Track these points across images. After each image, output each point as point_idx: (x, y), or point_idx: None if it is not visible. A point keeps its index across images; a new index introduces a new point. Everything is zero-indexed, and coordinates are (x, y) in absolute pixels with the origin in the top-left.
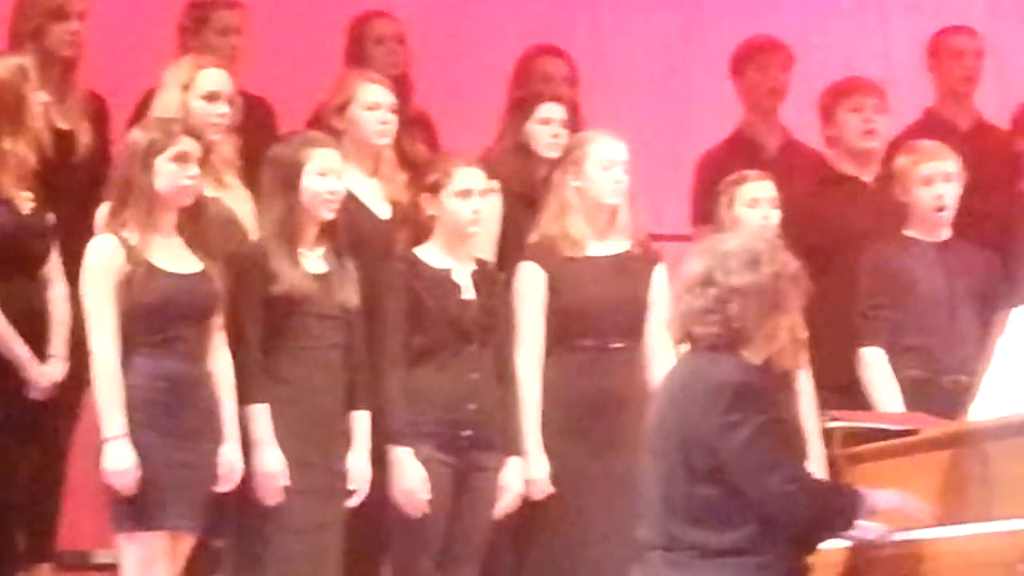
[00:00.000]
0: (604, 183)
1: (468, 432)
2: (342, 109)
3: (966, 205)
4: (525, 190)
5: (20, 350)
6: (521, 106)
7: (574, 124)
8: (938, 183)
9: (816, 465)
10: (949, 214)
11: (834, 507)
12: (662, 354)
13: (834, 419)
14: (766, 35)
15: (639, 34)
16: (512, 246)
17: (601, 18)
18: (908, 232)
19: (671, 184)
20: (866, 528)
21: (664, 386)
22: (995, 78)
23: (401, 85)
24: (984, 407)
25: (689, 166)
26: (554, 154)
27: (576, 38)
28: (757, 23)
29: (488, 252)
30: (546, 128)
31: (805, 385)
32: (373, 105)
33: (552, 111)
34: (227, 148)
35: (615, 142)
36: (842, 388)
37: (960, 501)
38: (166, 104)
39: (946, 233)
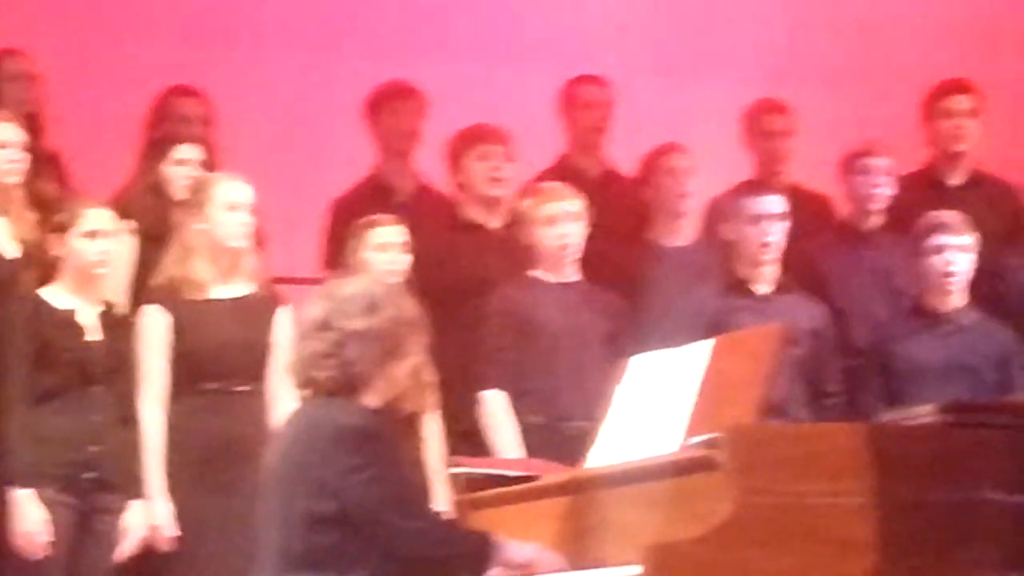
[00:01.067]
0: (228, 225)
1: (91, 474)
2: None
3: (595, 251)
4: (160, 231)
5: None
6: (156, 146)
7: (210, 165)
8: (561, 223)
9: (443, 510)
10: (573, 253)
11: (466, 549)
12: (283, 398)
13: (456, 464)
14: (400, 80)
15: (276, 75)
16: (145, 288)
17: (239, 58)
18: (534, 273)
19: (306, 227)
20: None
21: (284, 430)
22: (626, 127)
23: (33, 123)
24: (601, 454)
25: (324, 209)
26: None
27: (213, 78)
28: (393, 67)
29: (119, 294)
30: (181, 169)
31: (433, 429)
32: (2, 143)
33: (187, 152)
34: None
35: (240, 184)
36: (470, 433)
37: (577, 548)
38: None
39: (572, 274)
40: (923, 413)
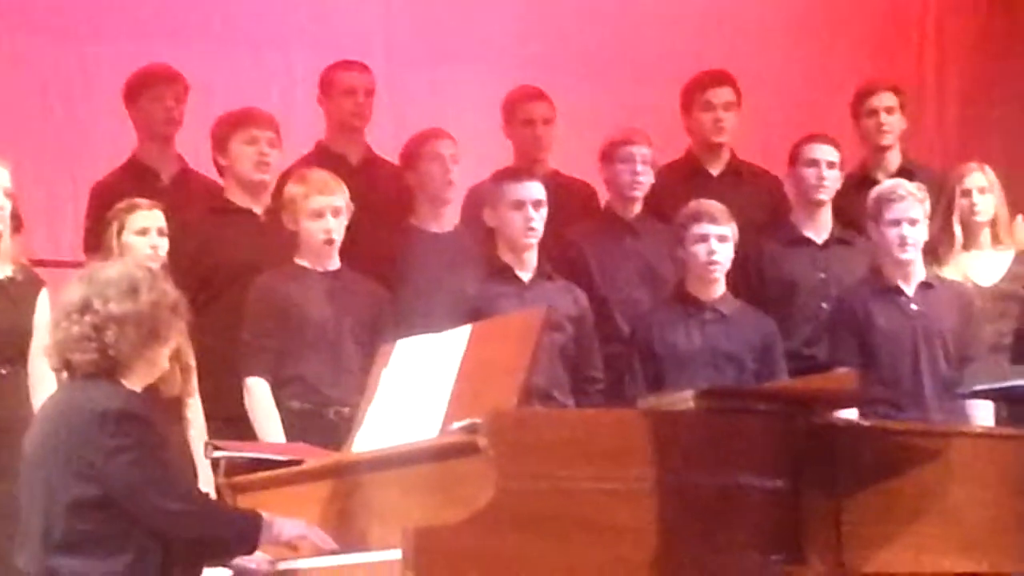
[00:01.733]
0: None
1: None
2: None
3: (357, 237)
4: None
5: None
6: None
7: None
8: (327, 217)
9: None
10: (337, 244)
11: (233, 528)
12: (44, 381)
13: (217, 448)
14: (161, 64)
15: (36, 56)
16: None
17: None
18: (298, 261)
19: (69, 210)
20: (248, 559)
21: (43, 414)
22: (390, 113)
23: None
24: (366, 438)
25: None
26: None
27: None
28: (155, 50)
29: None
30: None
31: (196, 413)
32: None
33: None
34: None
35: None
36: (234, 418)
37: (342, 531)
38: None
39: (334, 263)
40: (681, 399)
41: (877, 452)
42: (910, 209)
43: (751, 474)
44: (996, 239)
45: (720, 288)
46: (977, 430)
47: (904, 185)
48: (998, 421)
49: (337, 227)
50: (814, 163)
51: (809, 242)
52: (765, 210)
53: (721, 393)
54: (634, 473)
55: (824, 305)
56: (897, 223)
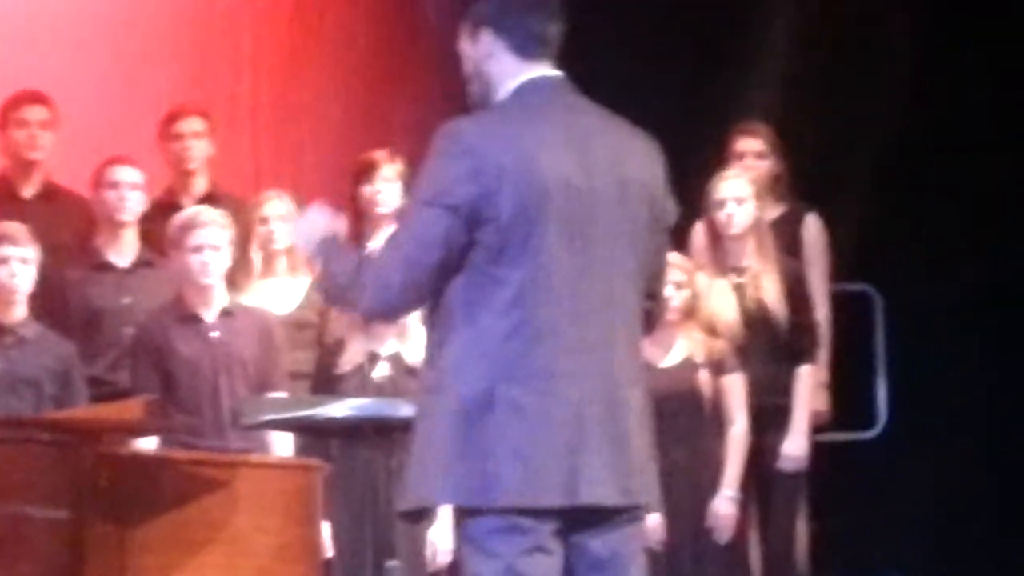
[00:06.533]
0: None
1: None
2: None
3: None
4: None
5: None
6: None
7: None
8: None
9: None
10: None
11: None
12: None
13: None
14: None
15: None
16: None
17: None
18: None
19: None
20: None
21: None
22: None
23: None
24: None
25: None
26: None
27: None
28: None
29: None
30: None
31: None
32: None
33: None
34: None
35: None
36: None
37: None
38: None
39: None
40: None
41: (164, 482)
42: (211, 235)
43: (34, 505)
44: (292, 267)
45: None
46: (261, 460)
47: (206, 211)
48: (299, 450)
49: None
50: (115, 185)
51: (112, 267)
52: (77, 234)
53: (5, 422)
54: None
55: (129, 330)
56: (199, 249)
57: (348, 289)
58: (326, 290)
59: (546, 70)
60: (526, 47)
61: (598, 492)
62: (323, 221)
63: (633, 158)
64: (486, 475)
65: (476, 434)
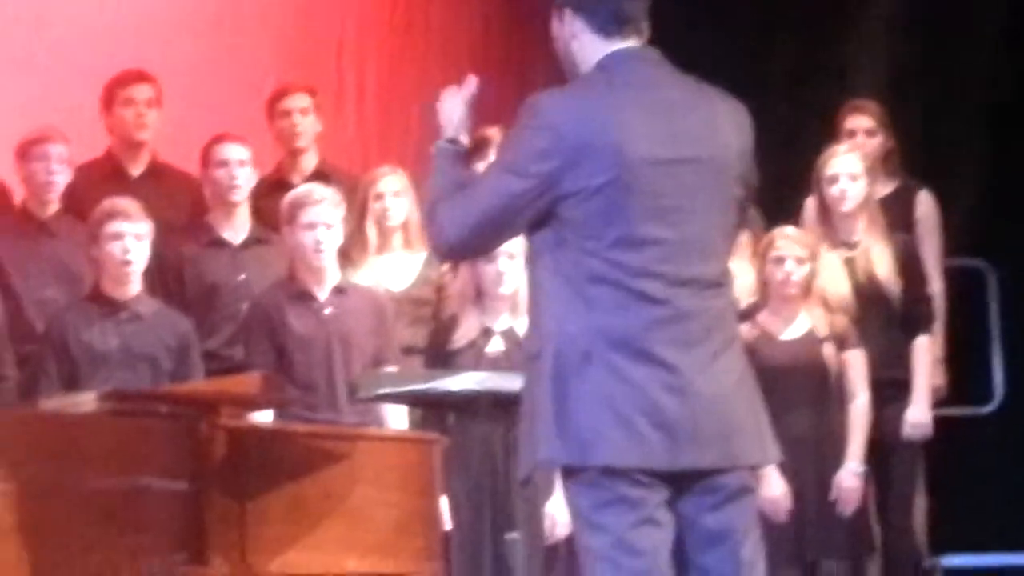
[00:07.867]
0: None
1: None
2: None
3: None
4: None
5: None
6: None
7: None
8: None
9: None
10: None
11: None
12: None
13: None
14: None
15: None
16: None
17: None
18: None
19: None
20: None
21: None
22: None
23: None
24: None
25: None
26: None
27: None
28: None
29: None
30: None
31: None
32: None
33: None
34: None
35: None
36: None
37: None
38: None
39: None
40: (84, 401)
41: (282, 455)
42: (324, 213)
43: (154, 476)
44: (408, 243)
45: (135, 287)
46: (380, 433)
47: (318, 189)
48: (414, 424)
49: None
50: (224, 163)
51: (226, 243)
52: (184, 211)
53: (124, 396)
54: (25, 474)
55: (244, 306)
56: (312, 227)
57: (438, 203)
58: (428, 189)
59: (631, 44)
60: (607, 26)
61: (699, 455)
62: (463, 103)
63: (723, 128)
64: (587, 434)
65: (575, 397)
